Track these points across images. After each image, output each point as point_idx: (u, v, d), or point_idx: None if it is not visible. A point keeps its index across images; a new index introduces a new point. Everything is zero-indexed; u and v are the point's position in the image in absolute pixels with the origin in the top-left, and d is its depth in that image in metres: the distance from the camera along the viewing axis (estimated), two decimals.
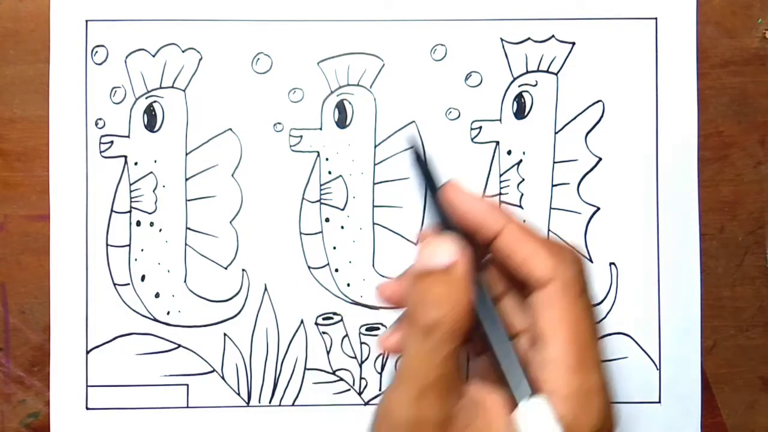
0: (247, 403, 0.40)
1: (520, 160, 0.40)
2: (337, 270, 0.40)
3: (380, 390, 0.40)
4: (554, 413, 0.27)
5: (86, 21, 0.40)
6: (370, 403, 0.40)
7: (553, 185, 0.40)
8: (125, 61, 0.40)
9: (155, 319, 0.40)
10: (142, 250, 0.40)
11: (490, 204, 0.30)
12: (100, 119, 0.40)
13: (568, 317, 0.28)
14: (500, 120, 0.40)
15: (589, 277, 0.29)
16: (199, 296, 0.40)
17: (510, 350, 0.29)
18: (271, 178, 0.40)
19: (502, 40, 0.40)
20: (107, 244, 0.40)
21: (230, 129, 0.40)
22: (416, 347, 0.28)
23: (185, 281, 0.40)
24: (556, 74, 0.40)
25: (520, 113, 0.40)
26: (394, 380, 0.29)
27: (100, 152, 0.40)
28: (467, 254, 0.29)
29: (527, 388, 0.28)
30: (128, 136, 0.40)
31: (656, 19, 0.40)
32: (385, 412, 0.29)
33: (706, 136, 0.41)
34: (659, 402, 0.40)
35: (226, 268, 0.40)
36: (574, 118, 0.40)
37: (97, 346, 0.40)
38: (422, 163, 0.32)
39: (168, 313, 0.40)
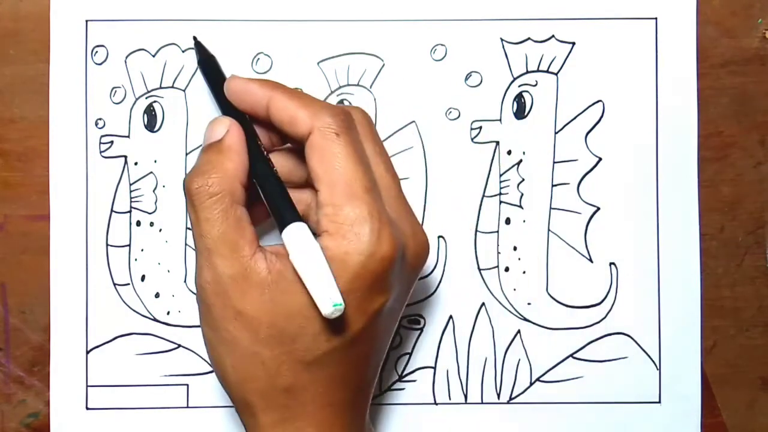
0: None
1: (520, 160, 0.40)
2: None
3: (380, 390, 0.40)
4: (313, 236, 0.30)
5: (86, 21, 0.40)
6: (370, 403, 0.40)
7: (553, 185, 0.40)
8: (125, 61, 0.40)
9: (155, 319, 0.40)
10: (142, 250, 0.40)
11: (260, 81, 0.33)
12: (100, 119, 0.40)
13: (327, 157, 0.31)
14: (500, 120, 0.40)
15: (350, 122, 0.32)
16: None
17: (278, 191, 0.32)
18: None
19: (502, 40, 0.40)
20: (107, 244, 0.40)
21: None
22: (192, 213, 0.31)
23: (185, 281, 0.40)
24: (556, 74, 0.40)
25: (520, 113, 0.40)
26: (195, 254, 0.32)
27: (100, 152, 0.40)
28: (238, 128, 0.33)
29: (292, 217, 0.31)
30: (128, 136, 0.40)
31: (656, 19, 0.40)
32: (196, 281, 0.32)
33: (706, 136, 0.41)
34: (659, 402, 0.41)
35: None
36: (574, 118, 0.40)
37: (97, 346, 0.40)
38: (207, 61, 0.38)
39: (168, 313, 0.40)
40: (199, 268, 0.31)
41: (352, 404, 0.32)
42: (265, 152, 0.33)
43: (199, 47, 0.38)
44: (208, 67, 0.38)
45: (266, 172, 0.32)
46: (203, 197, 0.31)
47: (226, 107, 0.35)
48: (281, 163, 0.35)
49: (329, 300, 0.29)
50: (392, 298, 0.32)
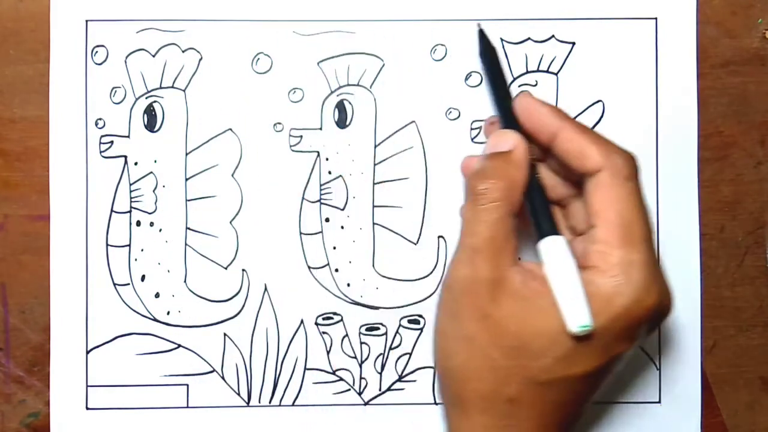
0: (247, 403, 0.40)
1: None
2: (337, 270, 0.40)
3: (380, 390, 0.40)
4: (571, 251, 0.31)
5: (86, 21, 0.40)
6: (370, 403, 0.40)
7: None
8: (125, 61, 0.40)
9: (155, 319, 0.40)
10: (142, 250, 0.40)
11: (551, 108, 0.34)
12: (100, 119, 0.40)
13: (613, 198, 0.32)
14: None
15: (638, 168, 0.33)
16: (199, 296, 0.40)
17: (542, 203, 0.33)
18: (271, 178, 0.40)
19: (502, 40, 0.40)
20: (107, 244, 0.40)
21: (230, 129, 0.40)
22: (469, 211, 0.32)
23: (185, 281, 0.40)
24: (556, 74, 0.40)
25: None
26: (456, 247, 0.33)
27: (100, 152, 0.40)
28: (525, 145, 0.33)
29: (552, 230, 0.32)
30: (128, 136, 0.40)
31: (656, 19, 0.40)
32: (447, 273, 0.33)
33: (706, 136, 0.41)
34: (659, 402, 0.41)
35: (226, 268, 0.40)
36: (574, 118, 0.40)
37: (97, 346, 0.40)
38: (493, 61, 0.37)
39: (168, 313, 0.40)
40: (458, 261, 0.33)
41: (563, 430, 0.33)
42: (538, 169, 0.34)
43: (482, 38, 0.38)
44: (490, 59, 0.38)
45: (534, 184, 0.34)
46: (486, 200, 0.32)
47: (506, 115, 0.35)
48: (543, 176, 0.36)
49: (579, 318, 0.30)
50: (632, 348, 0.32)
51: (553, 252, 0.32)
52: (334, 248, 0.40)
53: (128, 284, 0.40)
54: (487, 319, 0.31)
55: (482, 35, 0.38)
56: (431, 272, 0.40)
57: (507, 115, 0.35)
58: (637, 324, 0.31)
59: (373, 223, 0.40)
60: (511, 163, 0.33)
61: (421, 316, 0.40)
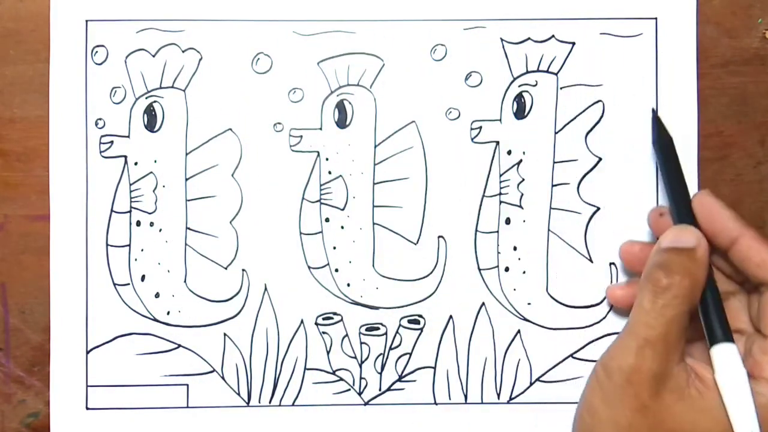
0: (247, 403, 0.40)
1: (520, 160, 0.40)
2: (337, 270, 0.40)
3: (380, 390, 0.40)
4: (742, 360, 0.32)
5: (86, 21, 0.40)
6: (370, 403, 0.40)
7: (552, 185, 0.40)
8: (125, 61, 0.40)
9: (155, 319, 0.40)
10: (142, 250, 0.40)
11: (732, 213, 0.35)
12: (100, 119, 0.40)
13: None
14: (500, 120, 0.40)
15: None
16: (199, 296, 0.40)
17: (717, 307, 0.34)
18: (271, 178, 0.40)
19: (502, 40, 0.40)
20: (107, 244, 0.40)
21: (230, 129, 0.40)
22: (649, 303, 0.33)
23: (185, 281, 0.40)
24: (556, 74, 0.40)
25: (520, 113, 0.40)
26: (621, 333, 0.34)
27: (100, 152, 0.40)
28: (707, 245, 0.34)
29: (725, 337, 0.33)
30: (128, 136, 0.40)
31: (656, 19, 0.40)
32: (608, 358, 0.34)
33: (706, 136, 0.41)
34: None
35: (226, 268, 0.40)
36: (574, 118, 0.40)
37: (97, 346, 0.40)
38: (669, 149, 0.37)
39: (168, 313, 0.40)
40: (625, 348, 0.33)
41: None
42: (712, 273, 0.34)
43: (657, 125, 0.38)
44: (665, 148, 0.38)
45: (710, 285, 0.34)
46: (669, 294, 0.33)
47: (683, 210, 0.36)
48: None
49: (748, 426, 0.31)
50: None
51: (726, 360, 0.32)
52: (334, 248, 0.40)
53: (128, 284, 0.40)
54: (646, 410, 0.32)
55: (658, 122, 0.38)
56: (431, 272, 0.40)
57: (683, 211, 0.36)
58: None
59: (373, 223, 0.40)
60: (695, 261, 0.33)
61: (421, 316, 0.40)
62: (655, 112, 0.39)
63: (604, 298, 0.40)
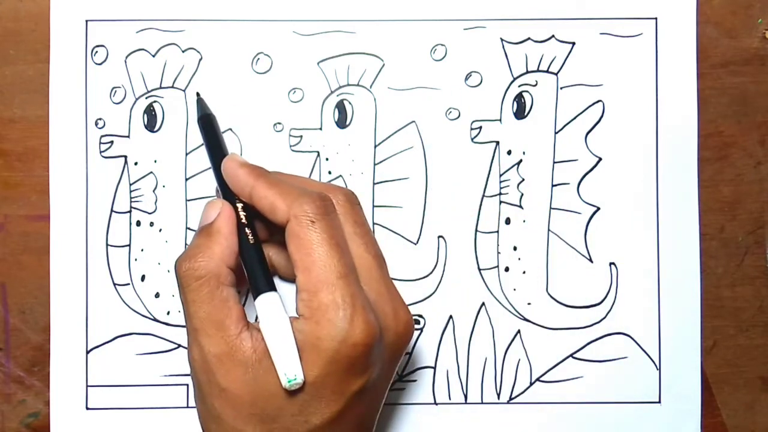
0: None
1: (520, 160, 0.40)
2: None
3: None
4: (284, 306, 0.32)
5: (86, 21, 0.40)
6: None
7: (553, 185, 0.40)
8: (125, 61, 0.40)
9: (155, 319, 0.40)
10: (142, 250, 0.40)
11: (247, 168, 0.34)
12: (100, 119, 0.40)
13: (303, 244, 0.31)
14: (500, 120, 0.40)
15: (328, 207, 0.32)
16: None
17: (255, 262, 0.33)
18: None
19: (502, 40, 0.40)
20: (107, 244, 0.40)
21: (230, 129, 0.40)
22: (181, 294, 0.33)
23: None
24: (556, 74, 0.40)
25: (520, 113, 0.40)
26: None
27: (100, 152, 0.40)
28: (229, 211, 0.34)
29: (266, 287, 0.32)
30: (128, 136, 0.40)
31: (656, 19, 0.40)
32: (188, 358, 0.33)
33: (706, 136, 0.41)
34: (659, 402, 0.41)
35: None
36: (574, 118, 0.40)
37: (97, 346, 0.40)
38: (209, 126, 0.37)
39: (168, 313, 0.40)
40: (189, 345, 0.32)
41: None
42: (249, 230, 0.34)
43: (200, 104, 0.38)
44: (208, 125, 0.38)
45: (246, 245, 0.34)
46: (190, 280, 0.32)
47: (219, 180, 0.35)
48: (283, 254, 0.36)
49: (285, 373, 0.30)
50: (373, 379, 0.32)
51: (267, 309, 0.32)
52: None
53: (128, 284, 0.40)
54: (224, 393, 0.31)
55: (200, 101, 0.38)
56: (431, 272, 0.40)
57: (220, 181, 0.35)
58: (356, 361, 0.31)
59: (373, 223, 0.40)
60: (211, 236, 0.33)
61: (421, 316, 0.40)
62: (198, 95, 0.39)
63: (605, 298, 0.40)
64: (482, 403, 0.40)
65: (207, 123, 0.38)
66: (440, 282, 0.40)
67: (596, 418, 0.40)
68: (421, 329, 0.40)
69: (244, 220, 0.34)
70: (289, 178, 0.36)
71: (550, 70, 0.40)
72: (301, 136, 0.40)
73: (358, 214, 0.34)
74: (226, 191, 0.35)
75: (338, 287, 0.31)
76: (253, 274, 0.33)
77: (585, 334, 0.40)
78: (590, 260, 0.40)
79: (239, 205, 0.34)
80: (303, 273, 0.31)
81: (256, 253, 0.33)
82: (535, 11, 0.40)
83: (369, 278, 0.33)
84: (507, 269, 0.40)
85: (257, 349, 0.31)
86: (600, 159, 0.40)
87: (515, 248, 0.40)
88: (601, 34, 0.40)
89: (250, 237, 0.34)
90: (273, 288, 0.32)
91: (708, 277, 0.41)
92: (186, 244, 0.40)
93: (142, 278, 0.40)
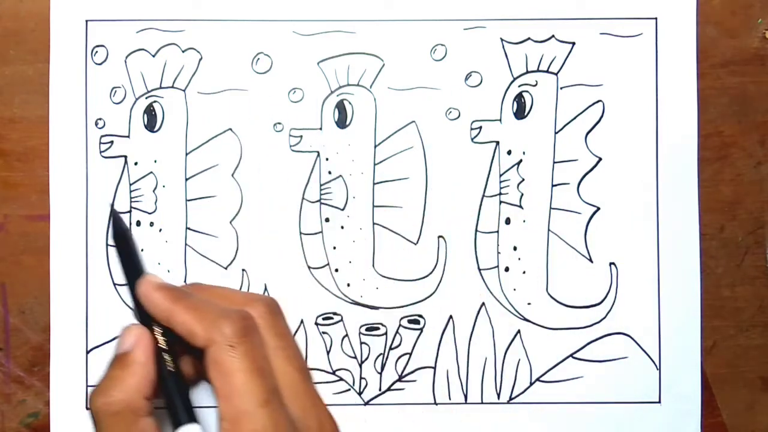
0: None
1: (520, 160, 0.40)
2: (337, 270, 0.40)
3: (380, 390, 0.40)
4: None
5: (86, 21, 0.40)
6: (370, 403, 0.40)
7: (553, 185, 0.40)
8: (125, 61, 0.40)
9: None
10: (142, 250, 0.40)
11: (164, 292, 0.33)
12: (100, 119, 0.40)
13: (222, 372, 0.31)
14: (500, 120, 0.40)
15: (250, 327, 0.32)
16: None
17: (174, 393, 0.33)
18: (271, 178, 0.40)
19: (502, 40, 0.40)
20: (107, 244, 0.40)
21: (230, 129, 0.40)
22: (96, 429, 0.32)
23: (185, 281, 0.40)
24: (556, 74, 0.40)
25: (520, 113, 0.40)
26: None
27: (100, 152, 0.40)
28: (146, 338, 0.33)
29: (185, 419, 0.32)
30: (128, 136, 0.40)
31: (656, 19, 0.40)
32: None
33: (706, 136, 0.41)
34: (659, 402, 0.41)
35: (226, 268, 0.40)
36: (574, 118, 0.40)
37: (97, 346, 0.40)
38: (126, 252, 0.36)
39: None
40: None
41: None
42: (168, 357, 0.33)
43: (115, 219, 0.38)
44: (123, 243, 0.37)
45: (165, 374, 0.33)
46: (105, 416, 0.32)
47: (137, 303, 0.35)
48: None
49: None
50: None
51: None
52: (334, 248, 0.40)
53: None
54: None
55: (115, 217, 0.38)
56: (431, 272, 0.40)
57: (138, 304, 0.34)
58: None
59: (373, 223, 0.40)
60: (126, 368, 0.32)
61: (421, 316, 0.40)
62: (112, 206, 0.38)
63: (605, 298, 0.40)
64: (482, 403, 0.40)
65: (122, 241, 0.37)
66: (440, 282, 0.40)
67: (596, 418, 0.40)
68: (421, 329, 0.40)
69: (163, 345, 0.33)
70: (210, 293, 0.35)
71: (550, 70, 0.40)
72: (301, 136, 0.40)
73: (280, 325, 0.34)
74: (143, 315, 0.34)
75: (259, 416, 0.30)
76: (172, 404, 0.32)
77: (585, 334, 0.40)
78: (590, 260, 0.40)
79: (158, 330, 0.34)
80: (224, 401, 0.31)
81: (174, 383, 0.33)
82: (535, 11, 0.40)
83: (293, 394, 0.32)
84: (507, 269, 0.40)
85: None
86: (600, 159, 0.40)
87: (515, 248, 0.40)
88: (601, 34, 0.40)
89: (169, 365, 0.33)
90: (194, 419, 0.32)
91: (708, 277, 0.41)
92: (186, 244, 0.40)
93: None
